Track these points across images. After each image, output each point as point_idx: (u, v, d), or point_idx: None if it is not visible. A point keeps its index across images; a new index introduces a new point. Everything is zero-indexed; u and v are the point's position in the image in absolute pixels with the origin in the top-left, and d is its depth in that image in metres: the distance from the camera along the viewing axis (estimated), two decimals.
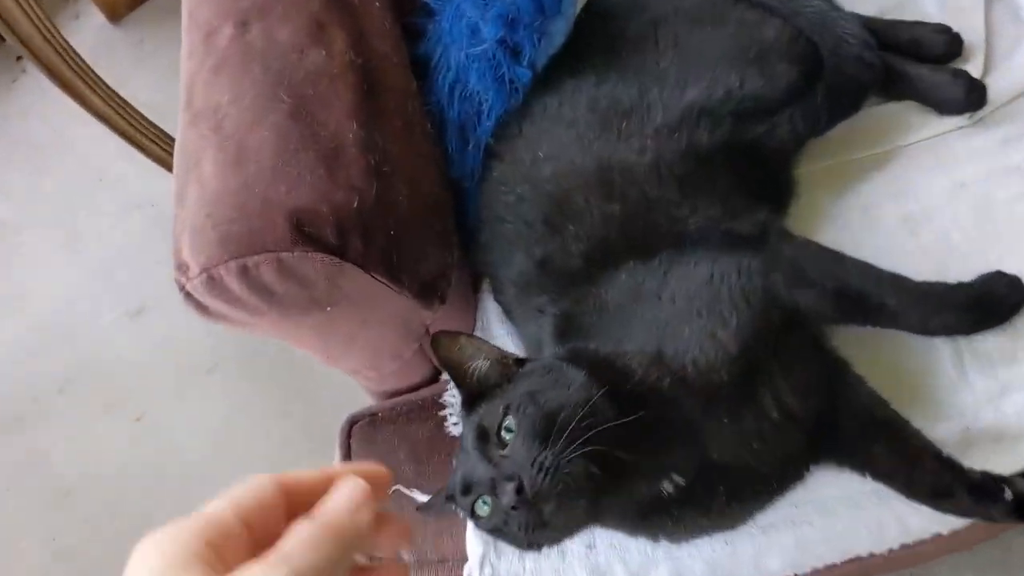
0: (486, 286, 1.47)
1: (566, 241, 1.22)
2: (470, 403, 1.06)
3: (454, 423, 1.37)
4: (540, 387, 1.00)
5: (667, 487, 1.01)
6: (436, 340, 1.08)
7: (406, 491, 1.36)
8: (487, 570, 1.24)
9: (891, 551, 1.13)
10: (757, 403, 1.03)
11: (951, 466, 1.05)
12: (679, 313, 1.08)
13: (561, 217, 1.23)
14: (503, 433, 0.97)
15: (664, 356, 1.04)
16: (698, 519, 1.07)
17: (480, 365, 1.07)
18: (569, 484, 0.91)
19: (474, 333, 1.51)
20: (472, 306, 1.51)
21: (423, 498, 1.33)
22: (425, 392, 1.46)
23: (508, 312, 1.43)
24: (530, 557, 1.22)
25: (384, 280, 1.20)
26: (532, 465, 0.90)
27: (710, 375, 1.02)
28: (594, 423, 0.93)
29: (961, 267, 1.17)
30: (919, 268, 1.15)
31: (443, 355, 1.07)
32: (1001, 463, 1.05)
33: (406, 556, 1.26)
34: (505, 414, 0.97)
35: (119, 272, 2.64)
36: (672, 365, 1.03)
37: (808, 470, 1.10)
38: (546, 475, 0.90)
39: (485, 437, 0.98)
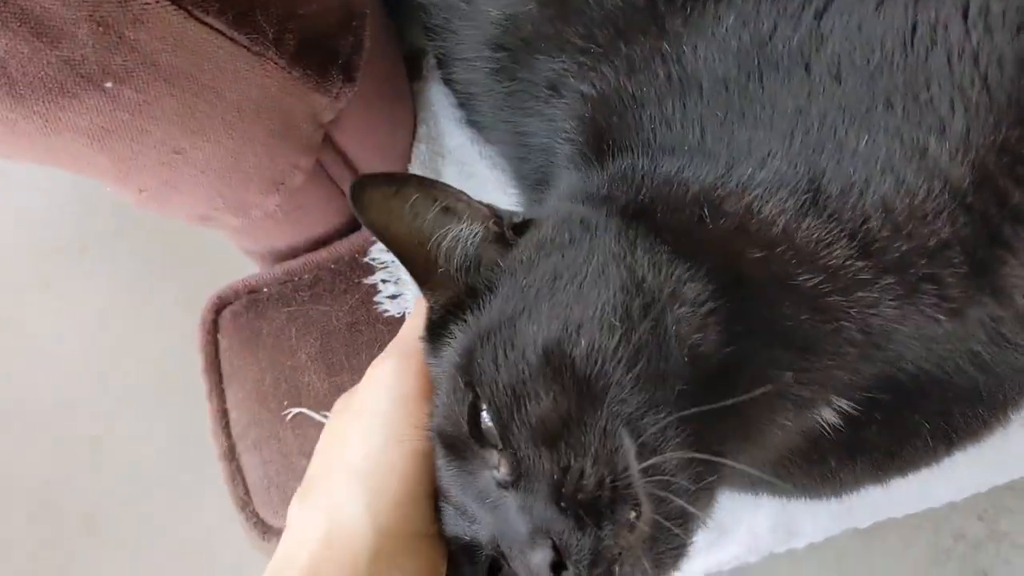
0: (431, 64, 0.93)
1: None
2: (435, 324, 0.63)
3: (389, 296, 0.80)
4: (551, 305, 0.56)
5: (826, 416, 0.62)
6: (359, 191, 0.60)
7: (316, 415, 0.79)
8: None
9: None
10: (996, 279, 0.60)
11: None
12: (848, 102, 0.61)
13: None
14: (486, 426, 0.55)
15: (823, 191, 0.59)
16: (874, 468, 0.67)
17: (444, 233, 0.62)
18: (657, 521, 0.51)
19: (416, 146, 0.90)
20: (408, 102, 0.90)
21: None
22: (340, 248, 0.87)
23: (473, 104, 0.85)
24: None
25: (223, 28, 0.66)
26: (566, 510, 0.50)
27: (913, 228, 0.58)
28: (692, 358, 0.54)
29: None
30: None
31: (375, 217, 0.61)
32: None
33: None
34: (471, 389, 0.56)
35: None
36: (839, 211, 0.59)
37: None
38: (604, 526, 0.50)
39: (456, 443, 0.57)
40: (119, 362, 1.80)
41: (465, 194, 0.61)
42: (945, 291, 0.59)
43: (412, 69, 0.96)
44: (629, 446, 0.50)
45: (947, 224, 0.58)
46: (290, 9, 0.70)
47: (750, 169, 0.60)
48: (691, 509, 0.52)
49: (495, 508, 0.54)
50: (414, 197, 0.60)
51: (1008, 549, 1.47)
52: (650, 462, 0.50)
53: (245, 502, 0.82)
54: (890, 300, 0.58)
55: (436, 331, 0.61)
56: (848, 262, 0.58)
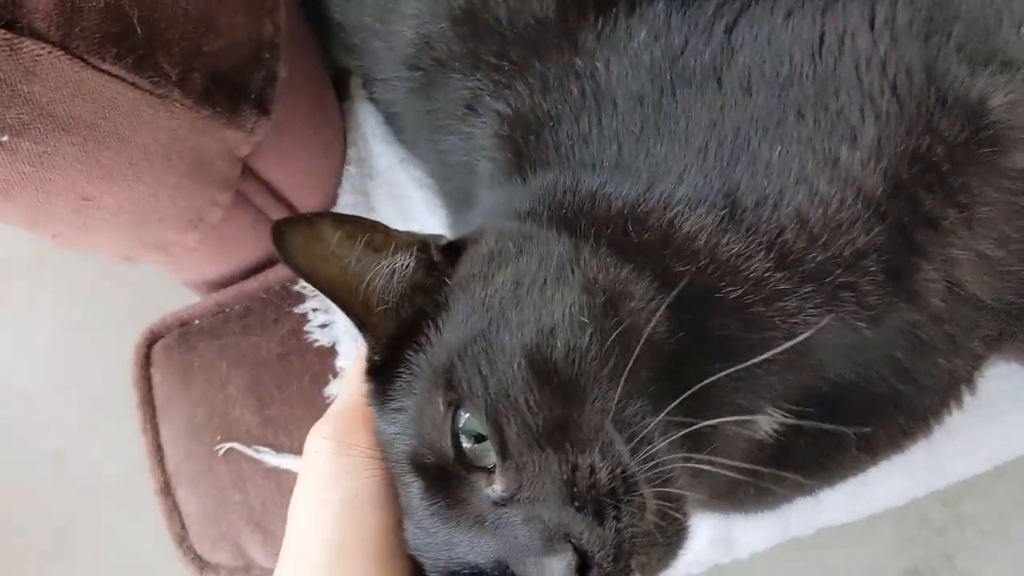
0: (357, 84, 0.92)
1: None
2: (381, 363, 0.60)
3: (319, 325, 0.79)
4: (519, 312, 0.56)
5: (764, 428, 0.62)
6: (279, 237, 0.57)
7: (247, 450, 0.79)
8: None
9: None
10: (911, 284, 0.61)
11: None
12: (760, 114, 0.61)
13: None
14: (469, 447, 0.54)
15: (739, 205, 0.60)
16: (803, 480, 0.66)
17: (374, 273, 0.59)
18: (661, 507, 0.52)
19: (346, 168, 0.90)
20: (336, 124, 0.89)
21: (274, 460, 0.77)
22: (271, 276, 0.87)
23: (397, 123, 0.86)
24: None
25: (122, 74, 0.65)
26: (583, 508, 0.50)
27: (828, 238, 0.59)
28: (650, 351, 0.55)
29: None
30: None
31: (301, 263, 0.59)
32: None
33: None
34: (454, 408, 0.54)
35: None
36: (757, 223, 0.59)
37: (980, 382, 0.71)
38: (621, 516, 0.50)
39: (438, 474, 0.55)
40: (80, 376, 1.78)
41: (382, 225, 0.60)
42: (863, 299, 0.59)
43: (340, 89, 0.95)
44: (619, 438, 0.51)
45: (862, 233, 0.58)
46: (194, 48, 0.69)
47: (670, 186, 0.60)
48: (685, 492, 0.53)
49: (496, 529, 0.52)
50: (335, 237, 0.58)
51: (972, 534, 1.49)
52: (643, 451, 0.51)
53: (182, 537, 0.82)
54: (811, 309, 0.59)
55: (383, 371, 0.59)
56: (767, 274, 0.58)
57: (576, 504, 0.49)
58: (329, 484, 0.57)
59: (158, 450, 0.84)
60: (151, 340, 0.88)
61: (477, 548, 0.52)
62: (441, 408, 0.53)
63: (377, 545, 0.55)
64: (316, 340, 0.83)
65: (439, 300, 0.59)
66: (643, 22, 0.65)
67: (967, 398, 0.70)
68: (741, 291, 0.57)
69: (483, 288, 0.58)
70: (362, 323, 0.59)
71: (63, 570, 1.74)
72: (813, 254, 0.57)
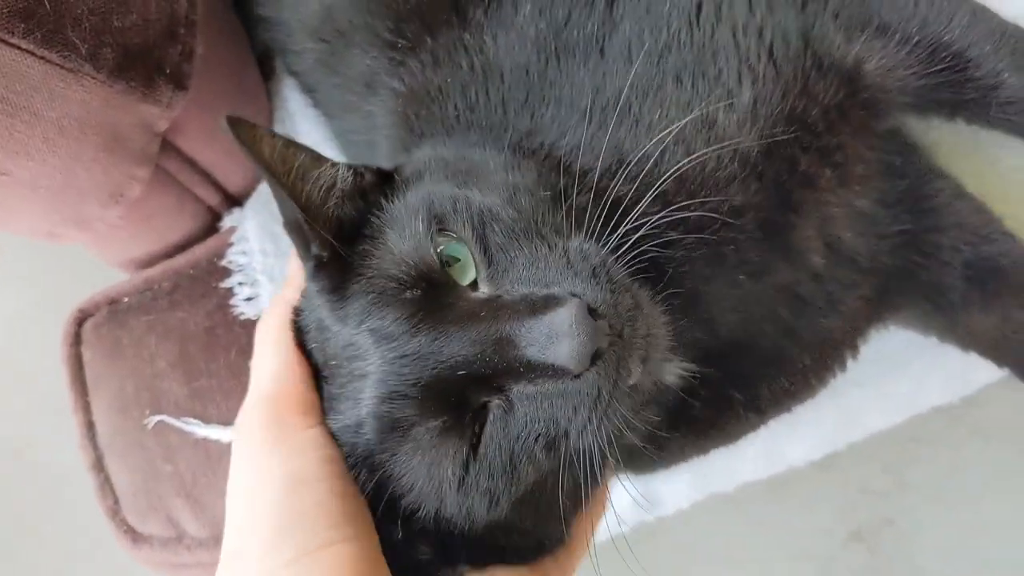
0: (282, 63, 0.94)
1: None
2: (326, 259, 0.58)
3: (245, 299, 0.81)
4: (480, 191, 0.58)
5: (667, 377, 0.61)
6: (236, 125, 0.54)
7: (175, 422, 0.80)
8: None
9: None
10: (790, 241, 0.63)
11: None
12: (640, 81, 0.63)
13: None
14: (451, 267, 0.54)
15: (624, 162, 0.61)
16: (696, 439, 0.70)
17: (317, 173, 0.58)
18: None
19: None
20: (261, 101, 0.90)
21: (203, 431, 0.78)
22: (198, 252, 0.88)
23: (314, 96, 0.87)
24: None
25: (31, 48, 0.65)
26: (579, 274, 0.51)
27: (708, 193, 0.61)
28: None
29: None
30: None
31: (263, 157, 0.56)
32: None
33: None
34: (441, 221, 0.55)
35: None
36: (640, 175, 0.60)
37: (863, 343, 0.74)
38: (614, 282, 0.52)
39: (420, 296, 0.53)
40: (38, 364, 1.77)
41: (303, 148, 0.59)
42: (743, 254, 0.62)
43: (265, 68, 0.96)
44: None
45: (739, 192, 0.60)
46: (105, 23, 0.69)
47: (554, 138, 0.63)
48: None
49: (494, 313, 0.50)
50: (279, 143, 0.57)
51: (913, 498, 1.52)
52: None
53: (114, 511, 0.83)
54: (698, 261, 0.61)
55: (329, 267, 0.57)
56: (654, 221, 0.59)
57: (573, 270, 0.51)
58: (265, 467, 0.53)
59: (90, 427, 0.85)
60: (80, 319, 0.88)
61: (473, 336, 0.50)
62: (422, 228, 0.54)
63: (326, 514, 0.51)
64: (242, 313, 0.84)
65: (370, 215, 0.58)
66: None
67: (850, 360, 0.73)
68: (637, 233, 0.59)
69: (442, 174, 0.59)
70: (313, 217, 0.57)
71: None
72: (693, 209, 0.59)
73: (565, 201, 0.55)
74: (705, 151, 0.59)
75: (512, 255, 0.52)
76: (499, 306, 0.50)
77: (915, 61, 0.65)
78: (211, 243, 0.89)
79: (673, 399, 0.64)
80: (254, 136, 0.54)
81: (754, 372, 0.67)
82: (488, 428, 0.50)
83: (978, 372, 0.81)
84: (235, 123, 0.53)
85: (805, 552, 1.51)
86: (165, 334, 0.85)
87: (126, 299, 0.88)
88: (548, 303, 0.49)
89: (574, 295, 0.49)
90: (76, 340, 0.87)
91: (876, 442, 1.54)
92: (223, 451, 0.81)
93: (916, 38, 0.64)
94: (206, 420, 0.81)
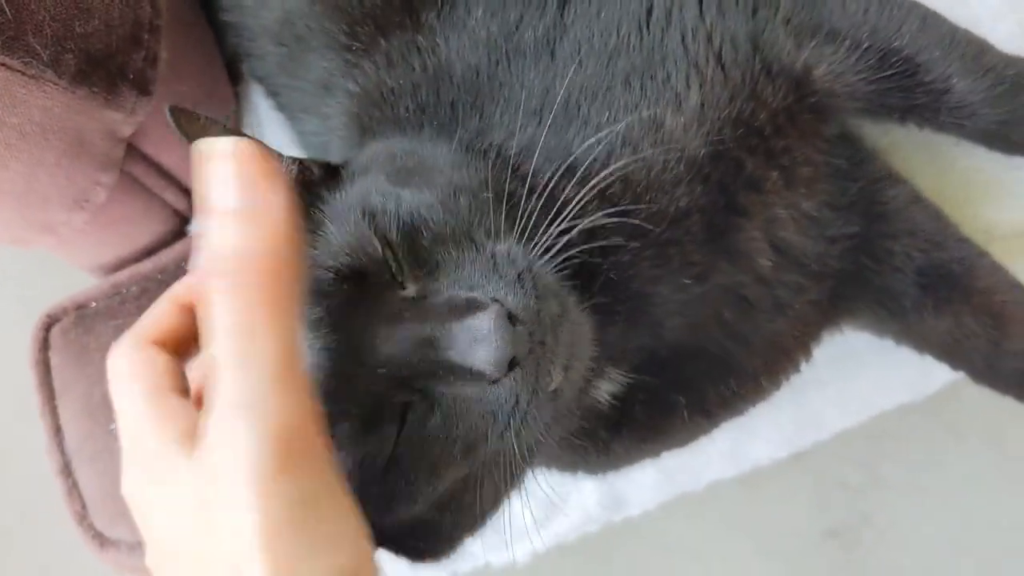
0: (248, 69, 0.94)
1: None
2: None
3: None
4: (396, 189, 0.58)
5: (603, 391, 0.63)
6: (180, 118, 0.52)
7: None
8: None
9: None
10: (736, 243, 0.64)
11: None
12: (590, 83, 0.64)
13: None
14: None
15: (572, 164, 0.61)
16: (641, 442, 0.70)
17: None
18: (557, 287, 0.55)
19: None
20: (228, 106, 0.91)
21: None
22: (165, 257, 0.88)
23: (276, 97, 0.87)
24: None
25: None
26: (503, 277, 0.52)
27: (654, 196, 0.61)
28: None
29: None
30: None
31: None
32: None
33: None
34: (370, 218, 0.54)
35: None
36: (588, 178, 0.59)
37: (815, 346, 0.75)
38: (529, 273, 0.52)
39: (349, 289, 0.53)
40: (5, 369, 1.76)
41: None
42: (688, 256, 0.62)
43: (235, 73, 0.96)
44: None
45: (685, 194, 0.61)
46: (66, 29, 0.70)
47: (502, 138, 0.63)
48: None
49: (416, 315, 0.50)
50: (223, 132, 0.53)
51: (888, 494, 1.53)
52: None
53: (82, 516, 0.83)
54: (644, 264, 0.61)
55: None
56: (601, 225, 0.60)
57: (498, 274, 0.51)
58: None
59: (57, 432, 0.85)
60: (48, 324, 0.88)
61: (397, 337, 0.50)
62: (358, 223, 0.53)
63: None
64: None
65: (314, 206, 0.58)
66: (481, 0, 0.68)
67: (804, 363, 0.74)
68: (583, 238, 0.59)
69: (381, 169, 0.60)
70: None
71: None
72: (638, 212, 0.60)
73: (508, 202, 0.55)
74: (651, 152, 0.60)
75: (441, 256, 0.52)
76: (424, 307, 0.50)
77: (865, 66, 0.66)
78: (179, 247, 0.90)
79: (608, 404, 0.64)
80: (195, 126, 0.53)
81: (700, 375, 0.67)
82: (407, 428, 0.50)
83: (937, 372, 0.82)
84: (178, 113, 0.52)
85: (780, 550, 1.52)
86: None
87: (94, 304, 0.88)
88: (470, 307, 0.49)
89: (495, 300, 0.49)
90: (44, 345, 0.88)
91: (850, 439, 1.56)
92: None
93: (866, 44, 0.65)
94: None
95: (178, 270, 0.88)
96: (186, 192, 0.90)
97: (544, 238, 0.54)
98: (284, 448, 0.39)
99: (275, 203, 0.42)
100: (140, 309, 0.87)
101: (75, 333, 0.87)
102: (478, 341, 0.47)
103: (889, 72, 0.66)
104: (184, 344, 0.49)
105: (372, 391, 0.50)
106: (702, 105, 0.61)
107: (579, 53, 0.63)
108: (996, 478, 1.50)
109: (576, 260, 0.55)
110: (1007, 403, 0.78)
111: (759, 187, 0.62)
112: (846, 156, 0.68)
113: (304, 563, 0.39)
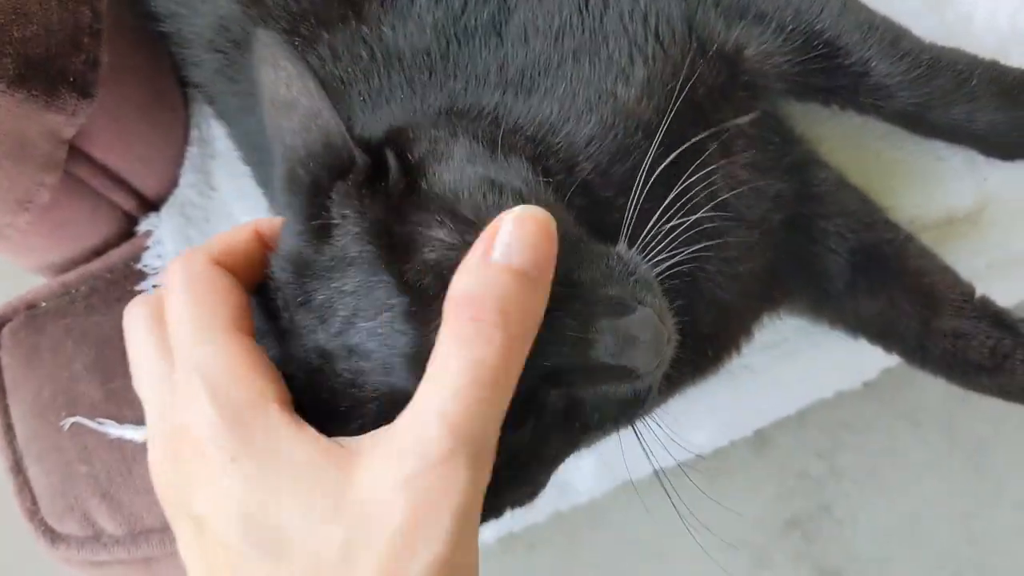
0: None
1: None
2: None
3: None
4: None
5: None
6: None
7: (90, 423, 0.82)
8: None
9: None
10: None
11: (998, 319, 0.74)
12: (541, 60, 0.66)
13: None
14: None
15: (539, 129, 0.63)
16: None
17: None
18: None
19: (189, 148, 0.93)
20: (178, 109, 0.92)
21: (117, 431, 0.80)
22: (114, 257, 0.89)
23: (214, 104, 0.89)
24: None
25: None
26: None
27: (613, 159, 0.62)
28: None
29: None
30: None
31: None
32: None
33: None
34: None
35: None
36: (558, 143, 0.63)
37: (757, 328, 0.77)
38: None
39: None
40: None
41: None
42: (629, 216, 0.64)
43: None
44: None
45: (639, 158, 0.62)
46: (4, 34, 0.71)
47: (466, 106, 0.64)
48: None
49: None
50: None
51: (848, 484, 1.55)
52: None
53: (33, 512, 0.84)
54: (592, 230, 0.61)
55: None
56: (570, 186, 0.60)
57: (627, 272, 0.51)
58: None
59: (9, 430, 0.86)
60: None
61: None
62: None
63: None
64: None
65: None
66: None
67: (744, 346, 0.75)
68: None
69: None
70: None
71: None
72: (613, 170, 0.62)
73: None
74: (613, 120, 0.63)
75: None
76: (575, 308, 0.47)
77: (791, 48, 0.69)
78: (126, 247, 0.91)
79: None
80: None
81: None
82: (542, 421, 0.50)
83: (870, 357, 0.85)
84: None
85: (741, 540, 1.53)
86: (82, 338, 0.86)
87: (43, 304, 0.89)
88: (619, 309, 0.48)
89: (640, 302, 0.48)
90: None
91: (808, 428, 1.57)
92: (137, 451, 0.82)
93: (791, 26, 0.68)
94: (121, 421, 0.83)
95: (126, 269, 0.89)
96: (133, 193, 0.92)
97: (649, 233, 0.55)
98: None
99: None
100: (89, 308, 0.89)
101: (25, 333, 0.88)
102: (634, 344, 0.46)
103: (812, 54, 0.69)
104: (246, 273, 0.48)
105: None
106: (648, 79, 0.64)
107: (525, 35, 0.66)
108: (951, 467, 1.52)
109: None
110: (956, 389, 0.80)
111: (699, 156, 0.65)
112: (779, 134, 0.71)
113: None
